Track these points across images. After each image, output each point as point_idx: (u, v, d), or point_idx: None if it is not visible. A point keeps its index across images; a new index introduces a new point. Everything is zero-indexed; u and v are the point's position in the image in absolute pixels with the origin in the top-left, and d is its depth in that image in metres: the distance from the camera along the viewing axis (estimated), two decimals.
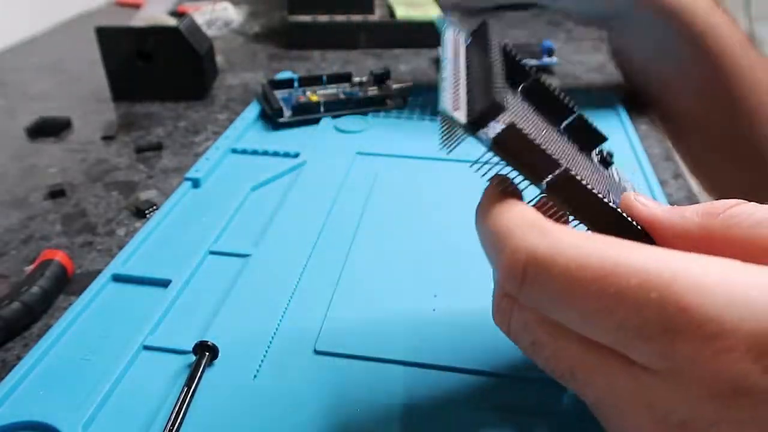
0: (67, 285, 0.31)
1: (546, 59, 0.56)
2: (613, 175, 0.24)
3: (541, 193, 0.19)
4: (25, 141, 0.46)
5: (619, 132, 0.43)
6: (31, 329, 0.28)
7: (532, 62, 0.55)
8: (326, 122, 0.44)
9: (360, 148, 0.41)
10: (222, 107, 0.51)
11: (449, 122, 0.19)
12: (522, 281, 0.17)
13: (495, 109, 0.18)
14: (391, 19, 0.66)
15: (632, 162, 0.39)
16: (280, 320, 0.27)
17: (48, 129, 0.47)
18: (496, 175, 0.20)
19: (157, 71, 0.51)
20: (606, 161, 0.24)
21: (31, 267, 0.31)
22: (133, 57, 0.50)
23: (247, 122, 0.44)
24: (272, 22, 0.75)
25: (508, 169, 0.19)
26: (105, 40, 0.49)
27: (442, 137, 0.20)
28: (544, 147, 0.18)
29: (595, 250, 0.16)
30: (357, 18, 0.64)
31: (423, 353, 0.25)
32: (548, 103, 0.23)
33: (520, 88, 0.23)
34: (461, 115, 0.19)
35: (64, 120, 0.48)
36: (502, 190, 0.20)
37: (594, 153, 0.24)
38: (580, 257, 0.16)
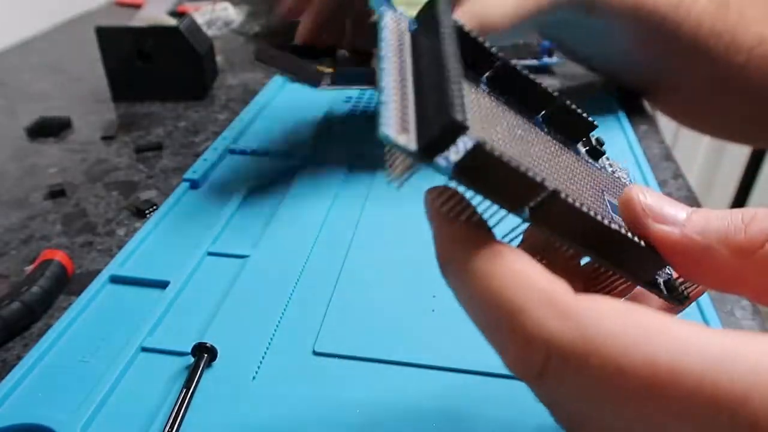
0: (67, 285, 0.31)
1: (546, 59, 0.56)
2: (605, 166, 0.21)
3: (523, 221, 0.16)
4: (25, 141, 0.46)
5: (618, 132, 0.43)
6: (31, 329, 0.28)
7: (532, 62, 0.55)
8: (324, 122, 0.44)
9: (358, 149, 0.41)
10: (222, 107, 0.51)
11: (395, 150, 0.14)
12: (540, 375, 0.14)
13: (454, 130, 0.14)
14: None
15: (632, 162, 0.39)
16: (279, 321, 0.27)
17: (48, 129, 0.47)
18: (459, 205, 0.16)
19: (157, 71, 0.51)
20: (596, 151, 0.21)
21: (31, 267, 0.31)
22: (133, 57, 0.50)
23: (245, 123, 0.44)
24: (272, 22, 0.75)
25: (477, 198, 0.15)
26: (105, 40, 0.49)
27: (389, 167, 0.15)
28: (524, 169, 0.14)
29: (641, 344, 0.13)
30: None
31: (422, 354, 0.25)
32: (520, 91, 0.19)
33: (484, 77, 0.20)
34: (410, 141, 0.14)
35: (64, 120, 0.48)
36: (476, 229, 0.15)
37: (581, 144, 0.21)
38: (621, 355, 0.13)
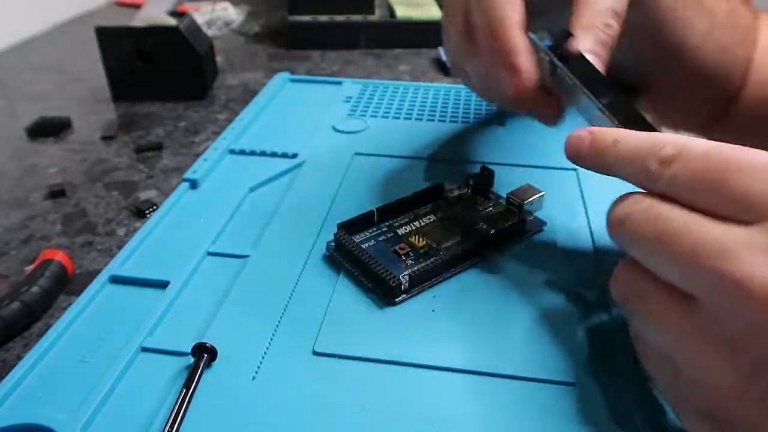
0: (67, 285, 0.31)
1: None
2: None
3: (601, 110, 0.25)
4: (25, 141, 0.46)
5: None
6: (31, 329, 0.28)
7: None
8: (324, 122, 0.44)
9: (358, 149, 0.41)
10: (222, 107, 0.51)
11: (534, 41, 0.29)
12: (668, 166, 0.20)
13: (564, 34, 0.28)
14: (391, 19, 0.66)
15: None
16: (279, 321, 0.27)
17: (48, 129, 0.47)
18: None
19: (157, 71, 0.51)
20: None
21: (31, 267, 0.31)
22: (133, 57, 0.50)
23: (245, 123, 0.44)
24: (272, 22, 0.75)
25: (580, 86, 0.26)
26: (105, 40, 0.50)
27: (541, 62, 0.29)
28: (603, 74, 0.26)
29: (749, 152, 0.19)
30: (357, 18, 0.65)
31: (422, 354, 0.25)
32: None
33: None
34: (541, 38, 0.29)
35: (64, 120, 0.48)
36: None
37: None
38: (725, 152, 0.19)
